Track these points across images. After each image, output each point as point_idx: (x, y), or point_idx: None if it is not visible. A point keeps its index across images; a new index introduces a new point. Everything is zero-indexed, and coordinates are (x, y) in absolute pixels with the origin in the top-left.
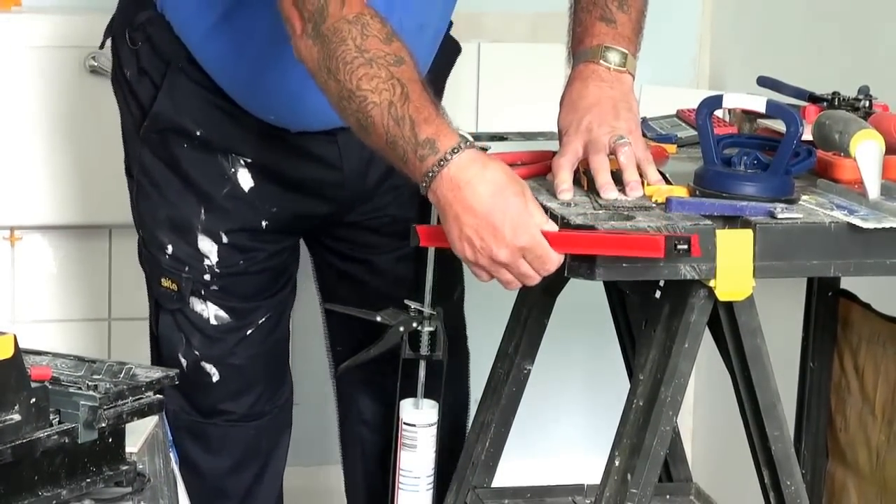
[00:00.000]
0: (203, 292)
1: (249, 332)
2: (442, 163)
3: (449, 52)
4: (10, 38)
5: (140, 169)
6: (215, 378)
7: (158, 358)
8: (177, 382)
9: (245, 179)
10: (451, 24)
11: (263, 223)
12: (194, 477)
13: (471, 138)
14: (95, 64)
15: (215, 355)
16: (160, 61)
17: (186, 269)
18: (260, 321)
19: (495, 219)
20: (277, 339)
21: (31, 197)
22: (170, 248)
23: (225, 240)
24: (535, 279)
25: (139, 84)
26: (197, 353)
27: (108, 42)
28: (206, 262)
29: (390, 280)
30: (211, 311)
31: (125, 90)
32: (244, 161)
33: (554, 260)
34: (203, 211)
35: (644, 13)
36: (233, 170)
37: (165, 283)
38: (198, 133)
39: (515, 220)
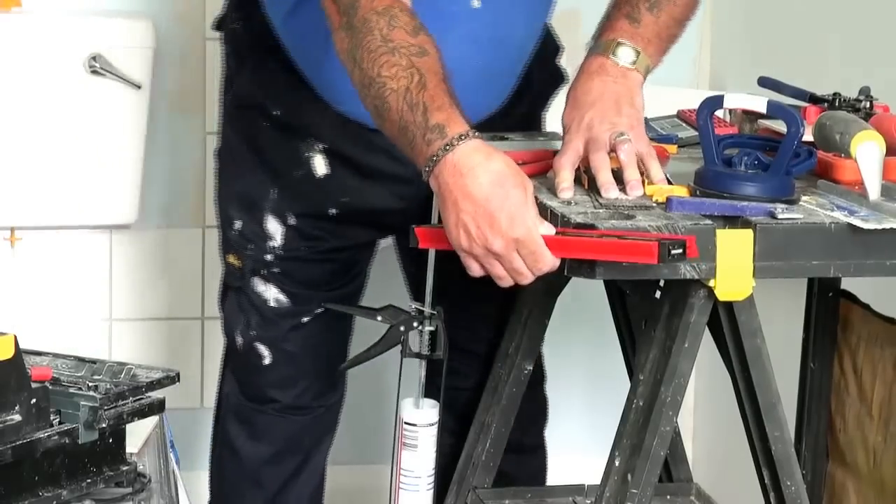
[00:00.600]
0: (265, 272)
1: (305, 319)
2: (447, 147)
3: (549, 82)
4: (11, 39)
5: (223, 144)
6: (267, 361)
7: (225, 340)
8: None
9: (320, 165)
10: (559, 49)
11: (332, 211)
12: (233, 462)
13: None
14: (96, 65)
15: (269, 337)
16: (251, 40)
17: (251, 246)
18: (317, 311)
19: (493, 207)
20: (335, 335)
21: (31, 197)
22: (238, 224)
23: (292, 222)
24: (527, 277)
25: (230, 60)
26: (253, 332)
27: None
28: (271, 242)
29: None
30: (271, 294)
31: (223, 66)
32: (320, 146)
33: (547, 260)
34: (274, 191)
35: (681, 22)
36: (308, 154)
37: (231, 258)
38: (277, 114)
39: (513, 211)
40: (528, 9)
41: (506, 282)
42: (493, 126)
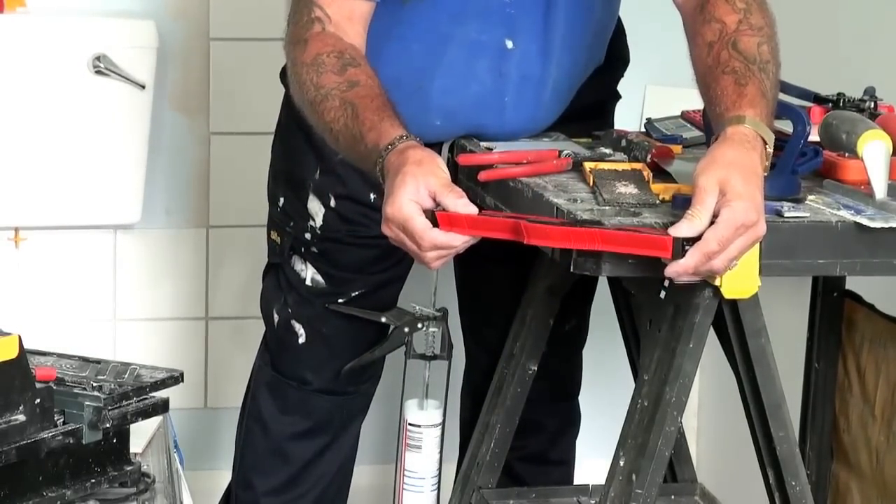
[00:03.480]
0: (303, 251)
1: (341, 301)
2: (379, 161)
3: (613, 70)
4: (16, 40)
5: (279, 124)
6: (301, 339)
7: (263, 316)
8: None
9: None
10: (616, 95)
11: (373, 196)
12: (262, 434)
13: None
14: (100, 65)
15: (305, 315)
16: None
17: (291, 224)
18: (353, 294)
19: (387, 192)
20: (369, 322)
21: (35, 197)
22: (282, 201)
23: (333, 204)
24: (420, 256)
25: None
26: (290, 310)
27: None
28: (311, 222)
29: (504, 293)
30: (309, 273)
31: None
32: None
33: (425, 237)
34: (318, 171)
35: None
36: None
37: (273, 234)
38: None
39: (393, 193)
40: (568, 53)
41: (420, 261)
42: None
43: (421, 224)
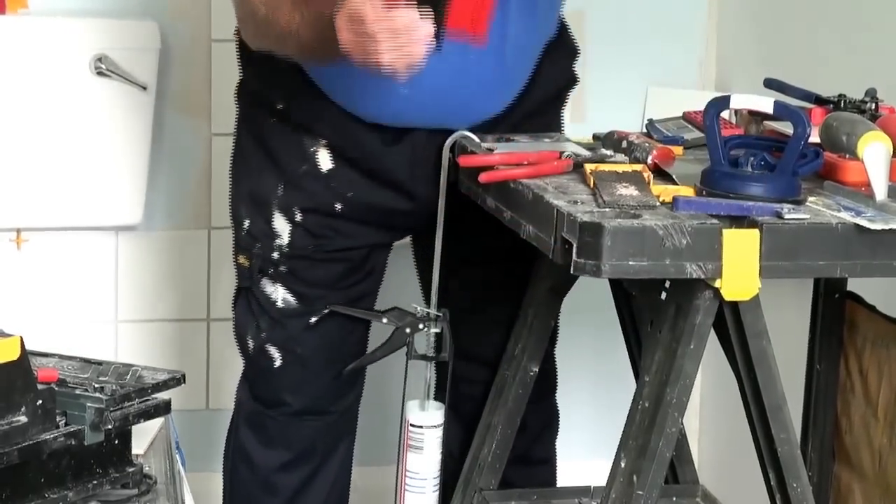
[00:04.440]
0: (272, 272)
1: (314, 320)
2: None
3: (561, 82)
4: (17, 41)
5: (235, 146)
6: (277, 363)
7: (238, 344)
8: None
9: (324, 160)
10: (576, 52)
11: (338, 206)
12: (247, 469)
13: None
14: (102, 66)
15: (279, 339)
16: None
17: (258, 245)
18: (325, 311)
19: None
20: (350, 336)
21: (37, 198)
22: (247, 223)
23: (299, 218)
24: (376, 40)
25: (241, 61)
26: (263, 335)
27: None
28: (278, 240)
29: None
30: (279, 294)
31: (239, 70)
32: (324, 141)
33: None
34: (281, 186)
35: None
36: (313, 149)
37: (241, 258)
38: (281, 108)
39: None
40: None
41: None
42: (497, 125)
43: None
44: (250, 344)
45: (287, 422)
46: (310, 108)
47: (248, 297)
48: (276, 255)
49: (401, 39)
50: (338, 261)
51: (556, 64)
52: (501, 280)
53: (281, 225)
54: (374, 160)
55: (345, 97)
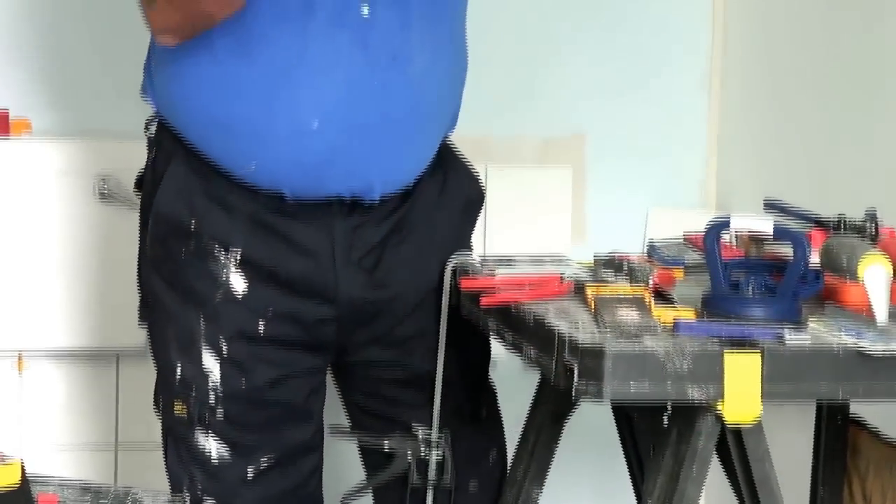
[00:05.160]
0: (208, 420)
1: (251, 474)
2: None
3: (469, 197)
4: (21, 164)
5: (151, 295)
6: None
7: (172, 496)
8: None
9: (238, 282)
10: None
11: (260, 325)
12: None
13: None
14: (105, 187)
15: (217, 491)
16: (164, 162)
17: (194, 391)
18: (262, 464)
19: None
20: (298, 486)
21: (38, 321)
22: (178, 370)
23: (225, 351)
24: None
25: (149, 193)
26: (199, 487)
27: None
28: (211, 380)
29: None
30: (212, 445)
31: (143, 208)
32: (235, 258)
33: None
34: (202, 319)
35: None
36: (225, 274)
37: (178, 407)
38: (192, 224)
39: None
40: (430, 34)
41: None
42: (395, 209)
43: None
44: (187, 496)
45: None
46: (221, 217)
47: (178, 448)
48: (211, 398)
49: None
50: (272, 402)
51: (461, 173)
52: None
53: (210, 362)
54: (291, 263)
55: (244, 150)
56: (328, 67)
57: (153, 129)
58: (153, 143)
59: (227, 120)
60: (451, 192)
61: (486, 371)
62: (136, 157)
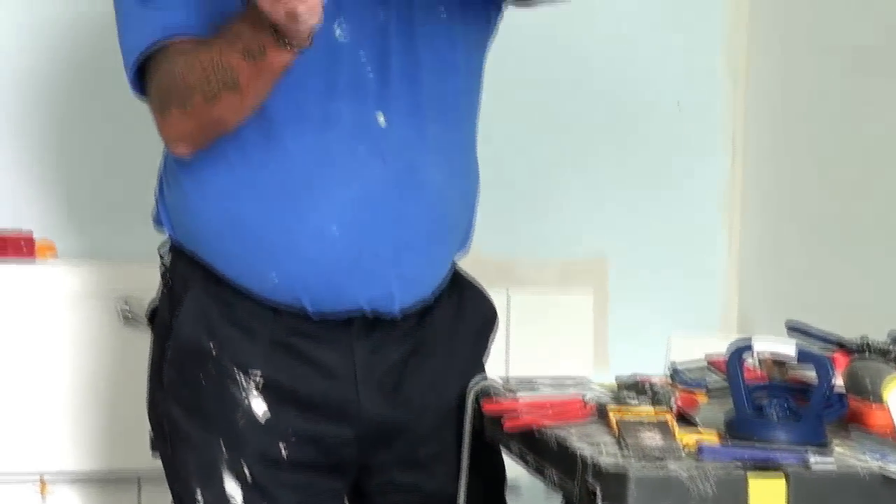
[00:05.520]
0: None
1: None
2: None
3: (484, 316)
4: (45, 287)
5: (167, 423)
6: None
7: None
8: None
9: (259, 405)
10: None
11: (283, 449)
12: None
13: None
14: (127, 309)
15: None
16: (182, 289)
17: None
18: None
19: None
20: None
21: (60, 443)
22: (199, 497)
23: (248, 477)
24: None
25: (165, 321)
26: None
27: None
28: None
29: None
30: None
31: (159, 337)
32: (256, 381)
33: None
34: (223, 444)
35: None
36: (246, 398)
37: None
38: (212, 348)
39: None
40: (444, 146)
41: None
42: (413, 329)
43: None
44: None
45: None
46: (241, 341)
47: None
48: None
49: None
50: None
51: (479, 296)
52: None
53: (232, 488)
54: (311, 384)
55: (263, 260)
56: (347, 176)
57: (167, 257)
58: (168, 272)
59: (245, 230)
60: (467, 312)
61: (503, 491)
62: (157, 279)
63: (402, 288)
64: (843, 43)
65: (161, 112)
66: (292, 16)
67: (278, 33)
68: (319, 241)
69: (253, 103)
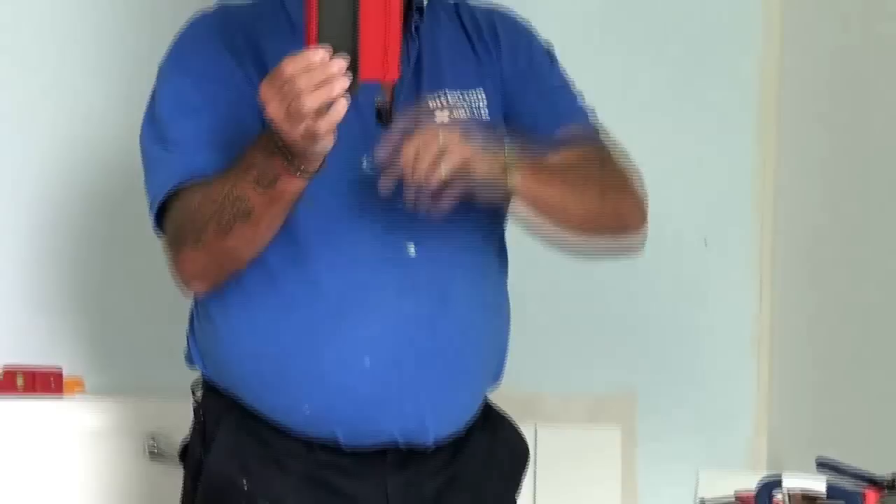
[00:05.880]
0: None
1: None
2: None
3: (513, 456)
4: (74, 423)
5: None
6: None
7: None
8: None
9: None
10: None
11: None
12: None
13: None
14: (154, 445)
15: None
16: (214, 426)
17: None
18: None
19: None
20: None
21: None
22: None
23: None
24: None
25: (197, 457)
26: None
27: None
28: None
29: None
30: None
31: (191, 475)
32: None
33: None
34: None
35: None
36: None
37: None
38: (244, 484)
39: None
40: (473, 275)
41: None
42: (447, 463)
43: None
44: None
45: None
46: (275, 477)
47: None
48: None
49: (315, 74)
50: None
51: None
52: None
53: None
54: None
55: (296, 393)
56: (379, 307)
57: (199, 394)
58: (200, 409)
59: (277, 361)
60: (499, 448)
61: None
62: (185, 415)
63: (435, 420)
64: (871, 175)
65: (174, 249)
66: (311, 136)
67: (291, 157)
68: (352, 373)
69: (266, 234)
